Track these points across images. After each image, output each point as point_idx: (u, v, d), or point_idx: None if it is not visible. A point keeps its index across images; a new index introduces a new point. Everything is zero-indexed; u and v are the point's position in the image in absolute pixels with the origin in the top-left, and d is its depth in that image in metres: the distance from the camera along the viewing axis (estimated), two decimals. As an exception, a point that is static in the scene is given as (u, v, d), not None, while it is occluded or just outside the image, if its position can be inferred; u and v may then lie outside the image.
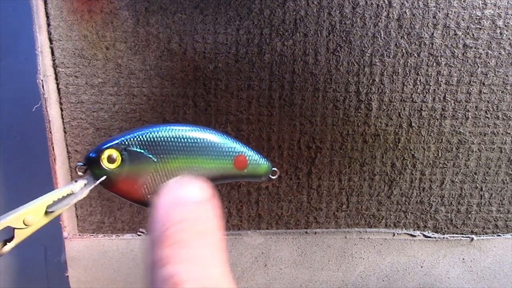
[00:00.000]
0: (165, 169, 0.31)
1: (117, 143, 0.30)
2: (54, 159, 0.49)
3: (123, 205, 0.52)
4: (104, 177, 0.30)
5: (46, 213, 0.28)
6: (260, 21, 0.47)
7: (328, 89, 0.49)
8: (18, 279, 0.69)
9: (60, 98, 0.48)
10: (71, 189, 0.30)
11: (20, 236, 0.28)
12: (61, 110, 0.49)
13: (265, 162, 0.36)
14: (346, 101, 0.49)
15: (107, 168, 0.30)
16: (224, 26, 0.46)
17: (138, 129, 0.32)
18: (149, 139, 0.31)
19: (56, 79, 0.48)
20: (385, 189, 0.53)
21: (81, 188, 0.30)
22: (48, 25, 0.46)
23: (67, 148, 0.50)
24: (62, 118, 0.49)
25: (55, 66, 0.47)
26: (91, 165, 0.30)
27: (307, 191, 0.53)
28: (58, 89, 0.48)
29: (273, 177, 0.37)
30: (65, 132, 0.50)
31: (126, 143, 0.30)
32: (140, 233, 0.53)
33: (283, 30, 0.47)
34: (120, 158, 0.30)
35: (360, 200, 0.53)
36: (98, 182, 0.30)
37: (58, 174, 0.49)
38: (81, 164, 0.31)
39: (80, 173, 0.31)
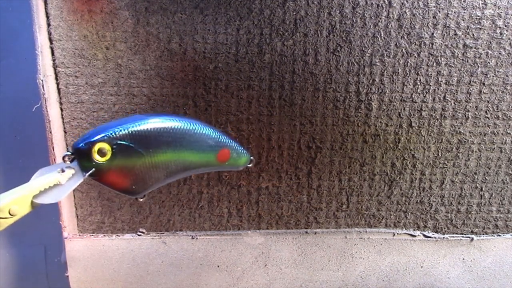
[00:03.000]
0: (153, 161, 0.32)
1: (109, 136, 0.30)
2: (54, 159, 0.48)
3: (123, 205, 0.52)
4: (93, 169, 0.30)
5: (32, 202, 0.28)
6: (260, 21, 0.47)
7: (328, 89, 0.49)
8: (18, 279, 0.69)
9: (60, 98, 0.48)
10: (58, 179, 0.29)
11: (3, 225, 0.28)
12: (61, 110, 0.49)
13: (245, 154, 0.38)
14: (346, 101, 0.49)
15: (97, 161, 0.30)
16: (224, 26, 0.46)
17: (125, 119, 0.31)
18: (139, 133, 0.31)
19: (56, 79, 0.48)
20: (385, 189, 0.53)
21: (68, 178, 0.29)
22: (48, 25, 0.46)
23: (67, 148, 0.50)
24: (62, 118, 0.49)
25: (55, 66, 0.47)
26: (81, 157, 0.30)
27: (307, 191, 0.53)
28: (58, 89, 0.48)
29: (250, 165, 0.39)
30: (65, 132, 0.50)
31: (117, 136, 0.30)
32: (140, 233, 0.53)
33: (283, 30, 0.47)
34: (111, 151, 0.30)
35: (360, 200, 0.53)
36: (87, 175, 0.30)
37: (58, 174, 0.49)
38: (70, 153, 0.30)
39: (68, 163, 0.30)
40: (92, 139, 0.30)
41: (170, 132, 0.32)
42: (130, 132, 0.30)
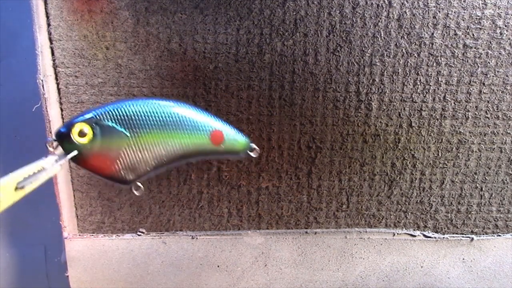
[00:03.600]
0: (139, 144, 0.31)
1: (89, 117, 0.30)
2: (54, 159, 0.48)
3: (123, 205, 0.52)
4: (75, 152, 0.29)
5: (16, 189, 0.27)
6: (260, 21, 0.47)
7: (328, 89, 0.49)
8: (18, 279, 0.69)
9: (60, 98, 0.48)
10: (42, 165, 0.29)
11: None
12: (61, 110, 0.49)
13: (243, 138, 0.36)
14: (346, 101, 0.49)
15: (78, 143, 0.29)
16: (224, 26, 0.46)
17: (111, 103, 0.31)
18: (122, 113, 0.30)
19: (56, 79, 0.48)
20: (385, 189, 0.53)
21: (52, 164, 0.29)
22: (48, 25, 0.46)
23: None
24: (62, 118, 0.49)
25: (55, 66, 0.47)
26: (62, 140, 0.30)
27: (307, 191, 0.53)
28: (58, 89, 0.48)
29: (252, 154, 0.36)
30: (65, 132, 0.50)
31: (98, 117, 0.30)
32: (140, 233, 0.53)
33: (283, 30, 0.47)
34: (91, 132, 0.29)
35: (360, 200, 0.53)
36: (69, 156, 0.29)
37: (58, 174, 0.49)
38: (52, 139, 0.30)
39: (50, 149, 0.30)
40: (72, 121, 0.29)
41: (155, 111, 0.31)
42: (111, 112, 0.30)
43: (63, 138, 0.30)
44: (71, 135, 0.29)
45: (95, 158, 0.30)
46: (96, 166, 0.31)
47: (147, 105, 0.31)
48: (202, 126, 0.33)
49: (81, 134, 0.29)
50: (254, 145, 0.36)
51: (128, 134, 0.30)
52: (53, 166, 0.29)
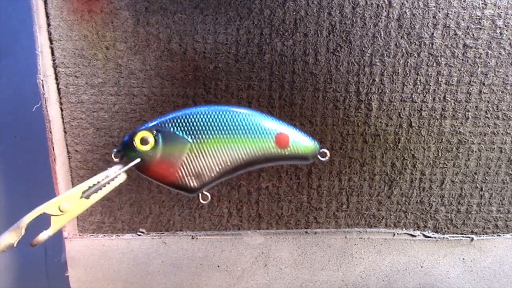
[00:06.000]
0: (202, 150, 0.30)
1: (150, 125, 0.30)
2: (54, 159, 0.49)
3: (123, 205, 0.52)
4: (138, 159, 0.30)
5: (81, 198, 0.28)
6: (260, 21, 0.47)
7: (328, 89, 0.49)
8: (18, 279, 0.69)
9: (60, 98, 0.48)
10: (106, 174, 0.30)
11: (56, 223, 0.28)
12: (61, 110, 0.49)
13: (310, 142, 0.33)
14: (346, 101, 0.49)
15: (140, 150, 0.30)
16: (224, 26, 0.46)
17: (175, 111, 0.31)
18: (183, 120, 0.30)
19: (56, 79, 0.48)
20: (385, 189, 0.53)
21: (116, 172, 0.30)
22: (48, 25, 0.46)
23: (67, 148, 0.50)
24: (62, 118, 0.49)
25: (55, 66, 0.47)
26: (125, 149, 0.30)
27: (307, 191, 0.53)
28: (58, 89, 0.48)
29: (323, 159, 0.34)
30: (65, 132, 0.50)
31: (160, 124, 0.30)
32: (140, 233, 0.53)
33: (283, 30, 0.47)
34: (153, 139, 0.30)
35: (360, 200, 0.53)
36: (131, 164, 0.30)
37: (58, 174, 0.49)
38: (117, 150, 0.31)
39: (116, 160, 0.30)
40: (135, 131, 0.30)
41: (217, 116, 0.31)
42: (172, 118, 0.30)
43: (127, 146, 0.30)
44: (134, 143, 0.30)
45: (157, 165, 0.30)
46: (159, 174, 0.31)
47: (208, 111, 0.31)
48: (266, 129, 0.32)
49: (144, 141, 0.30)
50: (325, 150, 0.34)
51: (190, 140, 0.30)
52: (118, 175, 0.30)
